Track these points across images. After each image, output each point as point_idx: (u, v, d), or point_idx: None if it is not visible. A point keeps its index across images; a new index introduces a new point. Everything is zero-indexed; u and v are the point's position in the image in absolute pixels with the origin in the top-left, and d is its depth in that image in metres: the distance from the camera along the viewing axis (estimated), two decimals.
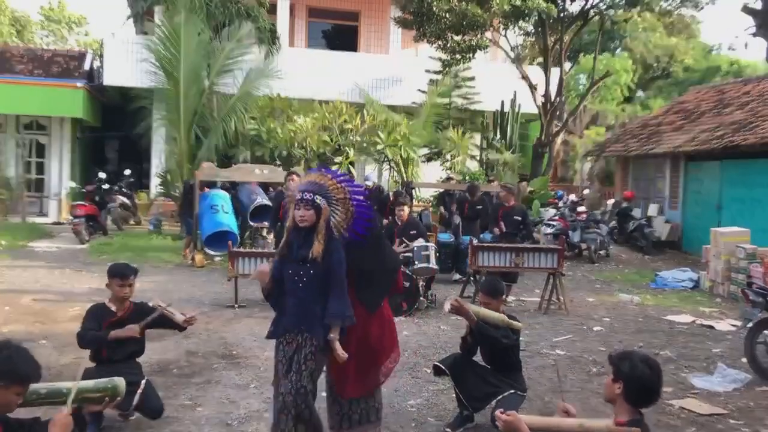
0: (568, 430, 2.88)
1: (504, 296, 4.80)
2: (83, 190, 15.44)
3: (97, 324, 4.34)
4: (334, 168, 13.24)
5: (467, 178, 15.58)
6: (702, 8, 18.16)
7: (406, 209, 8.96)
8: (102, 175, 15.50)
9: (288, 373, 3.70)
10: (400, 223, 8.83)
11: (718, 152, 13.09)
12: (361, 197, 3.92)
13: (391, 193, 12.86)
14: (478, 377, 4.44)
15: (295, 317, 3.76)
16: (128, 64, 17.00)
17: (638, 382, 2.74)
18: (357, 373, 3.98)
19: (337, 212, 3.78)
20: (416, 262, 8.23)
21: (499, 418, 2.81)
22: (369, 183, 13.26)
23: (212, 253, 11.32)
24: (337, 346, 3.71)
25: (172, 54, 13.77)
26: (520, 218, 9.27)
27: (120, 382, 3.31)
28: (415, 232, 8.71)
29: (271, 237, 10.54)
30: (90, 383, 3.34)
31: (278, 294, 3.86)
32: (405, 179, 14.96)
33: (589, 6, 17.63)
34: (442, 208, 13.48)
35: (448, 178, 15.36)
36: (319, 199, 3.71)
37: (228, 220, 11.18)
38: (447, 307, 4.26)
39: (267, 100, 15.34)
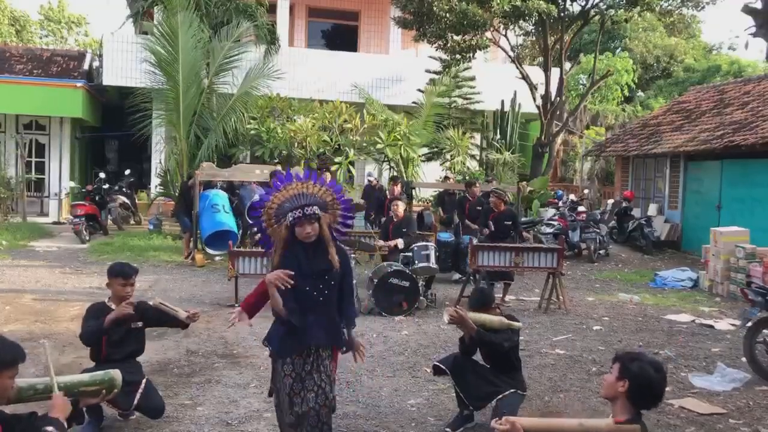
0: (569, 430, 2.88)
1: (500, 300, 4.79)
2: (83, 189, 15.44)
3: (98, 322, 4.35)
4: (334, 168, 13.38)
5: (466, 177, 15.59)
6: (702, 8, 18.14)
7: (401, 205, 8.94)
8: (102, 175, 15.51)
9: (307, 390, 3.57)
10: (396, 220, 8.83)
11: (718, 152, 13.09)
12: (339, 192, 3.81)
13: (388, 182, 12.85)
14: (479, 377, 4.45)
15: (322, 332, 3.61)
16: (128, 64, 17.02)
17: (644, 383, 2.75)
18: None
19: (329, 215, 3.74)
20: (416, 262, 8.24)
21: (496, 428, 2.76)
22: (372, 179, 13.29)
23: (213, 252, 11.33)
24: (360, 343, 3.89)
25: (171, 54, 13.77)
26: (510, 222, 9.30)
27: (116, 374, 3.32)
28: (405, 230, 8.70)
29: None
30: (86, 376, 3.35)
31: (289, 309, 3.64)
32: (405, 179, 14.97)
33: (589, 6, 17.63)
34: (440, 210, 13.50)
35: (445, 178, 15.38)
36: (317, 210, 3.60)
37: (228, 220, 11.19)
38: (446, 318, 4.25)
39: (267, 100, 15.35)
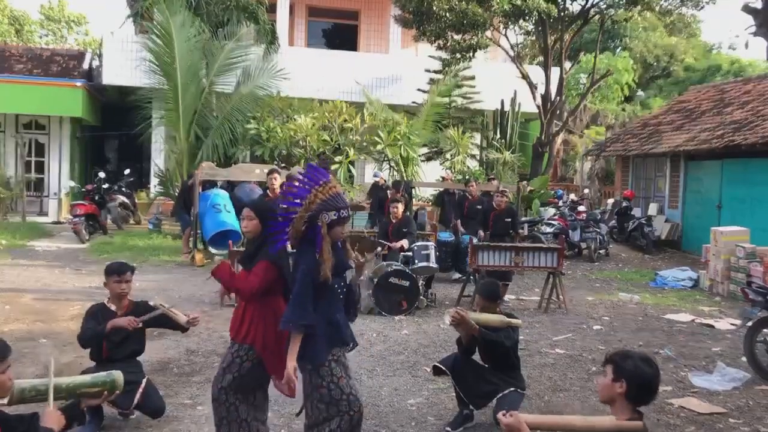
0: (573, 427, 2.87)
1: (500, 298, 4.82)
2: (83, 189, 15.43)
3: (97, 323, 4.35)
4: (333, 167, 13.38)
5: (466, 177, 15.57)
6: (702, 7, 18.14)
7: (401, 207, 8.93)
8: (102, 174, 15.50)
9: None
10: (394, 221, 8.81)
11: (719, 151, 13.09)
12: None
13: (389, 183, 12.90)
14: (478, 377, 4.45)
15: (347, 330, 3.63)
16: (127, 64, 17.01)
17: (641, 381, 2.75)
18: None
19: None
20: (416, 261, 8.23)
21: (500, 420, 2.78)
22: (377, 179, 13.32)
23: (216, 252, 11.33)
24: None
25: (170, 53, 13.77)
26: (509, 219, 9.29)
27: (118, 375, 3.32)
28: (406, 230, 8.68)
29: None
30: (88, 377, 3.34)
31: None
32: (405, 178, 14.97)
33: (589, 5, 17.63)
34: (440, 209, 13.51)
35: (443, 179, 15.38)
36: None
37: (231, 220, 11.17)
38: (447, 320, 4.24)
39: (267, 100, 15.35)
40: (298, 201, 3.51)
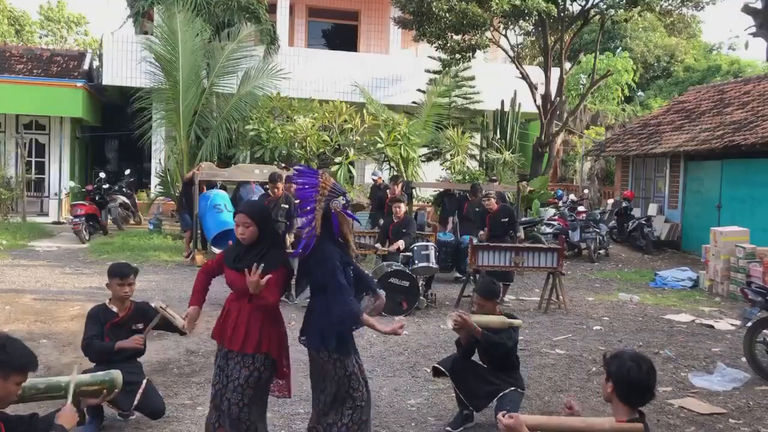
0: (573, 428, 2.88)
1: (500, 297, 4.83)
2: (83, 189, 15.43)
3: (100, 326, 4.34)
4: (334, 168, 13.39)
5: (466, 177, 15.59)
6: (703, 8, 18.12)
7: (403, 206, 8.93)
8: (102, 174, 15.50)
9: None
10: (396, 221, 8.82)
11: (719, 152, 13.10)
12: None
13: (388, 182, 12.90)
14: (478, 377, 4.46)
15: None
16: (128, 64, 17.03)
17: (625, 379, 2.76)
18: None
19: None
20: (416, 261, 8.24)
21: (500, 421, 2.79)
22: (376, 177, 13.34)
23: (218, 251, 11.33)
24: None
25: (171, 54, 13.76)
26: (506, 219, 9.26)
27: (117, 374, 3.32)
28: (405, 231, 8.68)
29: None
30: (86, 377, 3.35)
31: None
32: (404, 179, 14.98)
33: (589, 5, 17.63)
34: (439, 210, 13.49)
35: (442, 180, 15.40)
36: None
37: (232, 219, 11.18)
38: (450, 324, 4.25)
39: (267, 100, 15.36)
40: (312, 191, 3.73)
